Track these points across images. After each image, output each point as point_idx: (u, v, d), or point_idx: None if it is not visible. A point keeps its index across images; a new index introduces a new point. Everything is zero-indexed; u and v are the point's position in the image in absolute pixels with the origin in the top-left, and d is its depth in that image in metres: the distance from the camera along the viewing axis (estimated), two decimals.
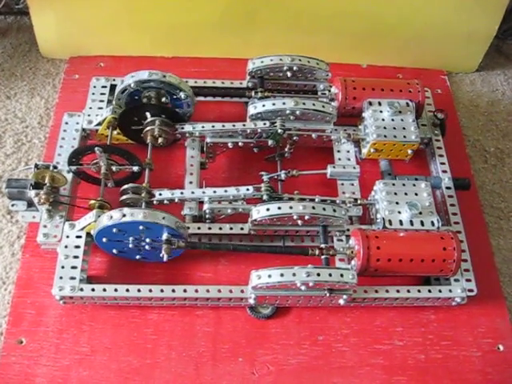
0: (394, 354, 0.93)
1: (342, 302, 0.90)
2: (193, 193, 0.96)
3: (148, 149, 1.01)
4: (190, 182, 1.00)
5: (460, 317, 0.97)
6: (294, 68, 1.06)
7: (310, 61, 1.07)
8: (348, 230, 0.95)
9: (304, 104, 1.01)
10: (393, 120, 1.02)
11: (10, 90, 1.23)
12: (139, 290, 0.89)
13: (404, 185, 0.97)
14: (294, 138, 1.03)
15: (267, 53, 1.07)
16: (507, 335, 0.96)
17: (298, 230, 0.95)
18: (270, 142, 1.03)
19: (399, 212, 0.93)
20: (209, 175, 1.04)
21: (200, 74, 1.20)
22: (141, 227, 0.85)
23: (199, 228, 0.95)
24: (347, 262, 0.92)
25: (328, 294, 0.87)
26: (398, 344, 0.94)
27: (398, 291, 0.92)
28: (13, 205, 0.95)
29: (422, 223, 0.93)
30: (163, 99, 1.02)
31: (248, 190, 0.95)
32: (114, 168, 0.97)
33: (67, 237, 0.92)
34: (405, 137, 1.01)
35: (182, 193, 0.95)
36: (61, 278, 0.88)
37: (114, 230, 0.86)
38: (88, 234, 0.92)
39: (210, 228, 0.95)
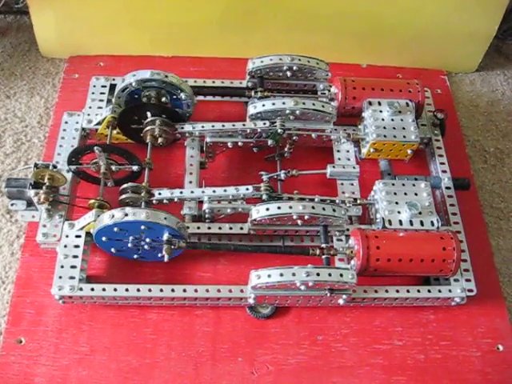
0: (393, 353, 0.93)
1: (341, 301, 0.90)
2: (192, 192, 0.95)
3: (148, 148, 1.01)
4: (190, 182, 0.99)
5: (459, 317, 0.97)
6: (294, 68, 1.06)
7: (310, 60, 1.07)
8: (348, 229, 0.95)
9: (304, 104, 1.01)
10: (392, 120, 1.02)
11: (9, 90, 1.23)
12: (138, 290, 0.89)
13: (404, 185, 0.97)
14: (294, 137, 1.03)
15: (267, 52, 1.07)
16: (507, 335, 0.96)
17: (298, 230, 0.95)
18: (269, 142, 1.03)
19: (399, 212, 0.93)
20: (208, 175, 1.04)
21: (200, 73, 1.20)
22: (142, 227, 0.86)
23: (199, 228, 0.95)
24: (347, 262, 0.92)
25: (328, 294, 0.87)
26: (397, 344, 0.94)
27: (397, 291, 0.92)
28: (12, 204, 0.95)
29: (422, 223, 0.93)
30: (163, 99, 1.02)
31: (247, 189, 0.94)
32: (113, 167, 0.97)
33: (67, 236, 0.92)
34: (404, 137, 1.01)
35: (181, 192, 0.95)
36: (60, 277, 0.88)
37: (115, 229, 0.86)
38: (87, 234, 0.92)
39: (209, 228, 0.95)
